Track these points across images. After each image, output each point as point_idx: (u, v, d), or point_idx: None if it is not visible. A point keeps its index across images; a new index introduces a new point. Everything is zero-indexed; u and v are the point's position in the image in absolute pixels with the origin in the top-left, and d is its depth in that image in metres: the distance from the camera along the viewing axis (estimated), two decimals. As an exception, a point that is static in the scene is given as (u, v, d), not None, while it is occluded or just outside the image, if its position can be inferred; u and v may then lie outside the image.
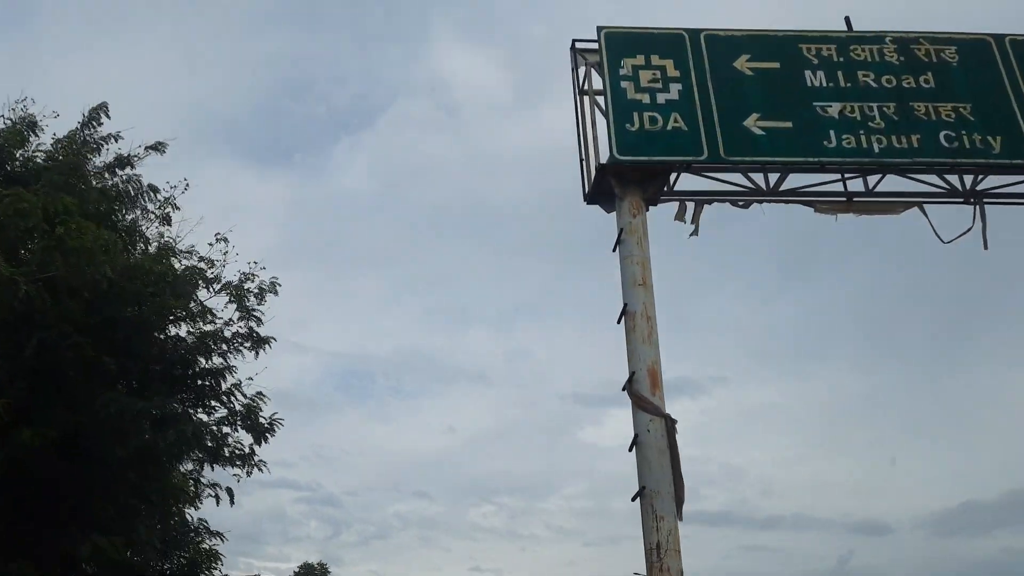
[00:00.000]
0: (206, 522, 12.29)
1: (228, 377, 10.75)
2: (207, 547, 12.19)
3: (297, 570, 53.37)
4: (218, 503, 11.57)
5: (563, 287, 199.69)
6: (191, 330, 10.80)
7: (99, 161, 10.71)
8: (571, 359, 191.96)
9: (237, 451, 11.01)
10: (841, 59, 9.30)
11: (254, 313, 11.03)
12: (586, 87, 9.31)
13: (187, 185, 11.27)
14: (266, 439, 10.81)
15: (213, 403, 10.73)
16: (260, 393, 10.57)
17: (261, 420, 10.59)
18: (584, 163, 9.09)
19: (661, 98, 8.86)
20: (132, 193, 10.71)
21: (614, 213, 8.80)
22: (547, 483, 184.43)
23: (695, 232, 8.93)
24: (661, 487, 7.79)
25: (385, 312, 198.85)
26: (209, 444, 10.42)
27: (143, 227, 11.11)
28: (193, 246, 11.27)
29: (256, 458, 11.21)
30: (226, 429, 10.73)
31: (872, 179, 9.11)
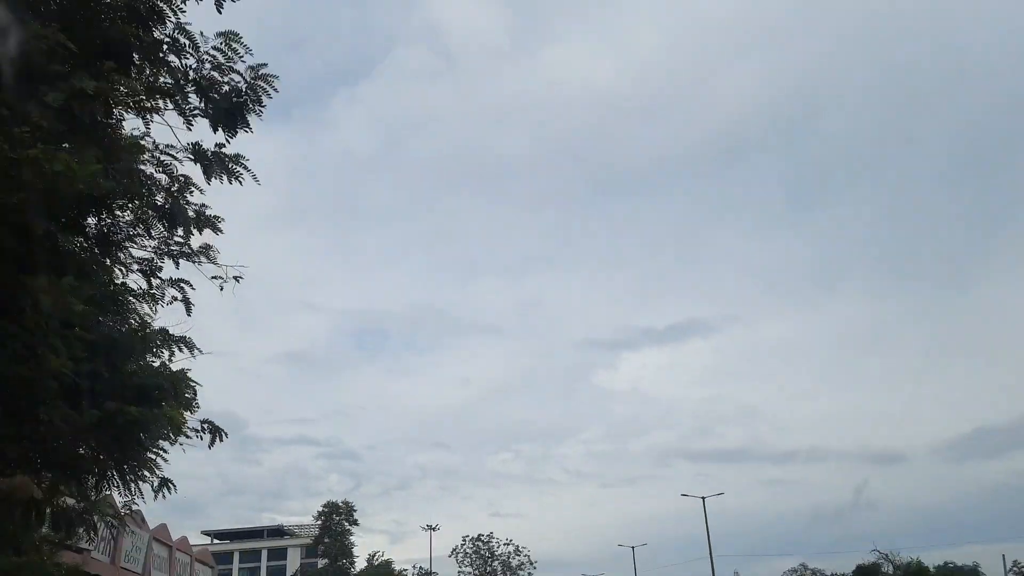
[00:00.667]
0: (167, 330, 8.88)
1: None
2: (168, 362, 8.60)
3: (322, 508, 50.28)
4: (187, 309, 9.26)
5: (571, 235, 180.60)
6: None
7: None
8: (583, 306, 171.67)
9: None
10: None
11: None
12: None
13: None
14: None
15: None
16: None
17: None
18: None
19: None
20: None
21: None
22: (563, 429, 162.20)
23: None
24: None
25: (394, 268, 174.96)
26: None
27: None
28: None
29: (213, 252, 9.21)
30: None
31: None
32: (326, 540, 55.97)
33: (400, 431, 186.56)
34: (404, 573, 68.77)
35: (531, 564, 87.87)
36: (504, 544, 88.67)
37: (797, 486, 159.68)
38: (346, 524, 49.93)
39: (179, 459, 9.19)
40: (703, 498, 59.24)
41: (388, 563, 52.54)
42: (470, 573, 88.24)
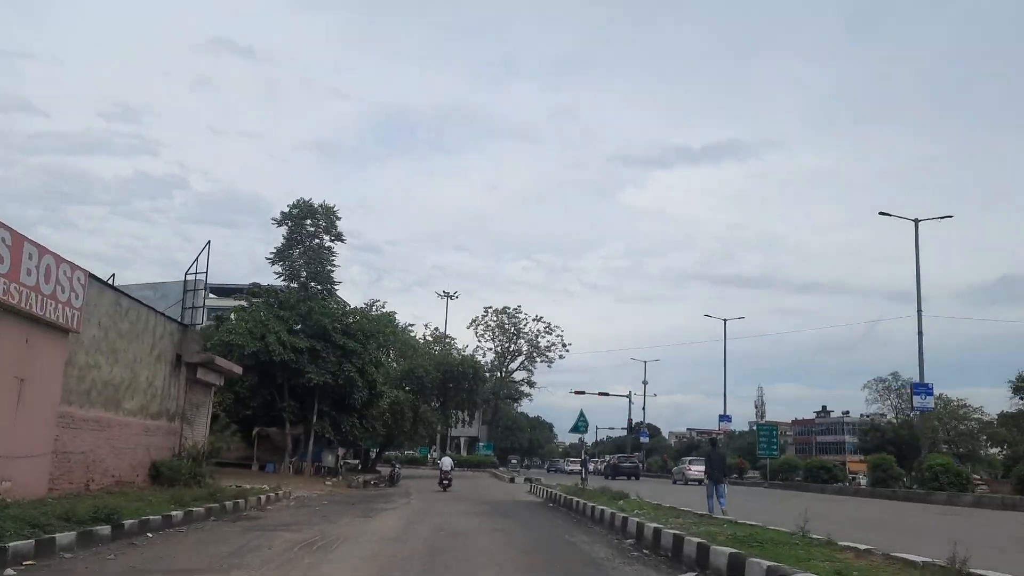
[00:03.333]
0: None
1: None
2: None
3: (287, 209, 35.19)
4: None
5: (615, 41, 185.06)
6: None
7: None
8: (618, 119, 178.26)
9: None
10: None
11: None
12: None
13: None
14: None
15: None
16: None
17: None
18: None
19: None
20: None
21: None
22: (584, 242, 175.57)
23: None
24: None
25: (428, 62, 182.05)
26: None
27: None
28: None
29: None
30: None
31: None
32: (295, 254, 35.69)
33: (422, 231, 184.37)
34: (410, 327, 60.58)
35: (563, 346, 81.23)
36: (533, 320, 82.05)
37: (814, 316, 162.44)
38: (326, 238, 35.58)
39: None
40: (724, 320, 62.09)
41: (390, 315, 43.21)
42: (491, 349, 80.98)
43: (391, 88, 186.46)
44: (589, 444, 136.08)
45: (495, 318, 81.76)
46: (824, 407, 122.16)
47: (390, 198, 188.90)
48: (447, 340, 63.20)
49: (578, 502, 20.15)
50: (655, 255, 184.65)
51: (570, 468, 68.42)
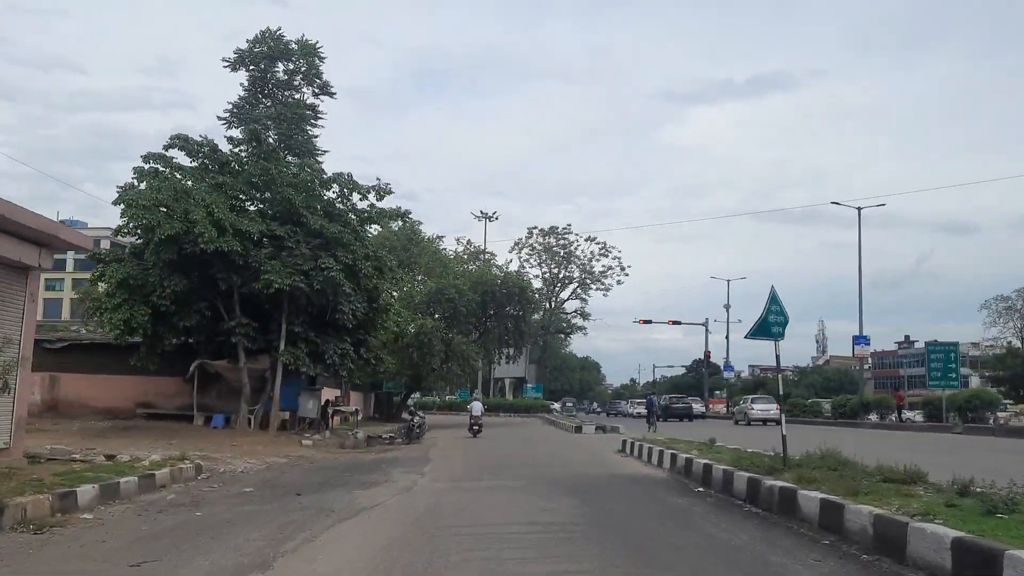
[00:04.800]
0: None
1: None
2: None
3: (246, 47, 28.92)
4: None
5: None
6: None
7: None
8: (657, 55, 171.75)
9: None
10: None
11: None
12: None
13: None
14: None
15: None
16: None
17: None
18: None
19: None
20: None
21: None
22: (624, 184, 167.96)
23: None
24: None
25: (458, 4, 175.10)
26: None
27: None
28: None
29: None
30: None
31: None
32: (259, 110, 27.59)
33: (459, 177, 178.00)
34: (439, 239, 51.85)
35: (621, 270, 69.76)
36: (586, 241, 69.63)
37: (854, 249, 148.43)
38: (306, 91, 27.53)
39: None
40: (728, 280, 58.84)
41: (414, 224, 38.82)
42: (538, 276, 68.74)
43: (424, 34, 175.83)
44: (641, 384, 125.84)
45: (541, 240, 69.65)
46: (907, 337, 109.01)
47: (426, 146, 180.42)
48: (485, 256, 50.46)
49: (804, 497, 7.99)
50: (697, 195, 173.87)
51: (636, 411, 56.33)
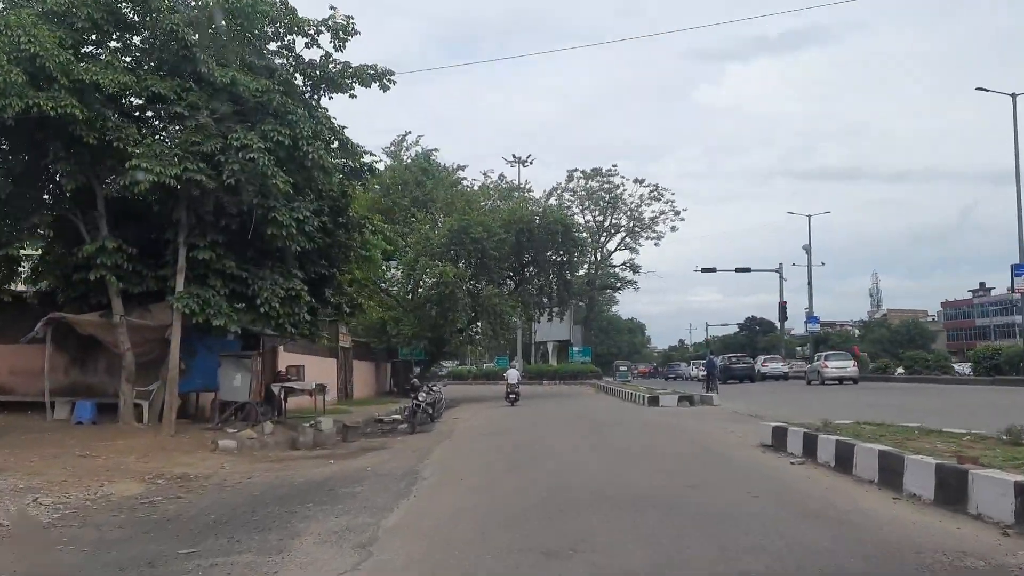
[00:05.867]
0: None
1: None
2: None
3: None
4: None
5: None
6: None
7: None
8: (689, 10, 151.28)
9: None
10: None
11: None
12: None
13: None
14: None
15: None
16: None
17: None
18: None
19: None
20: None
21: None
22: (657, 147, 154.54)
23: None
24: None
25: None
26: None
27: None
28: None
29: None
30: None
31: None
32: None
33: (492, 144, 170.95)
34: (460, 170, 40.66)
35: (675, 213, 59.46)
36: (634, 183, 58.93)
37: (903, 207, 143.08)
38: None
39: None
40: (808, 216, 50.76)
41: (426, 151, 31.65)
42: (580, 226, 56.30)
43: (452, 2, 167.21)
44: (692, 345, 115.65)
45: (583, 183, 59.28)
46: (982, 284, 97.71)
47: (458, 114, 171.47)
48: (520, 192, 40.36)
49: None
50: (733, 155, 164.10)
51: (699, 373, 46.86)
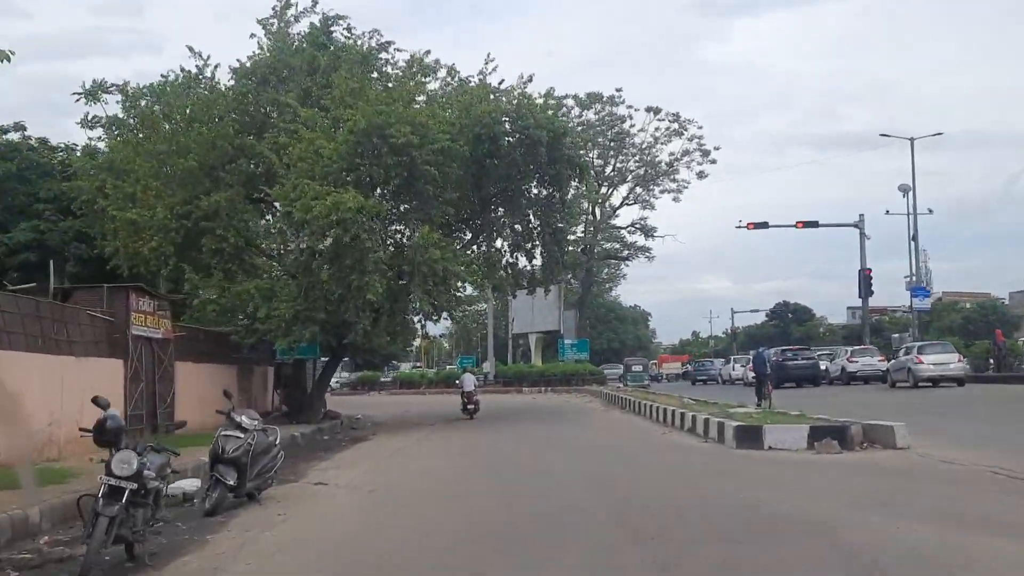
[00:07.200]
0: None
1: None
2: None
3: None
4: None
5: None
6: None
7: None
8: None
9: None
10: None
11: None
12: None
13: None
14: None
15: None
16: None
17: None
18: None
19: None
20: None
21: None
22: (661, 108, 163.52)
23: None
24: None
25: None
26: None
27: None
28: None
29: None
30: None
31: None
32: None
33: None
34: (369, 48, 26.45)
35: (703, 155, 45.51)
36: (645, 112, 45.05)
37: (943, 177, 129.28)
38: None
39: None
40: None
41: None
42: (580, 135, 45.82)
43: None
44: (709, 340, 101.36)
45: (578, 114, 44.20)
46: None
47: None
48: (481, 80, 24.41)
49: None
50: (743, 119, 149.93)
51: (748, 375, 32.83)
